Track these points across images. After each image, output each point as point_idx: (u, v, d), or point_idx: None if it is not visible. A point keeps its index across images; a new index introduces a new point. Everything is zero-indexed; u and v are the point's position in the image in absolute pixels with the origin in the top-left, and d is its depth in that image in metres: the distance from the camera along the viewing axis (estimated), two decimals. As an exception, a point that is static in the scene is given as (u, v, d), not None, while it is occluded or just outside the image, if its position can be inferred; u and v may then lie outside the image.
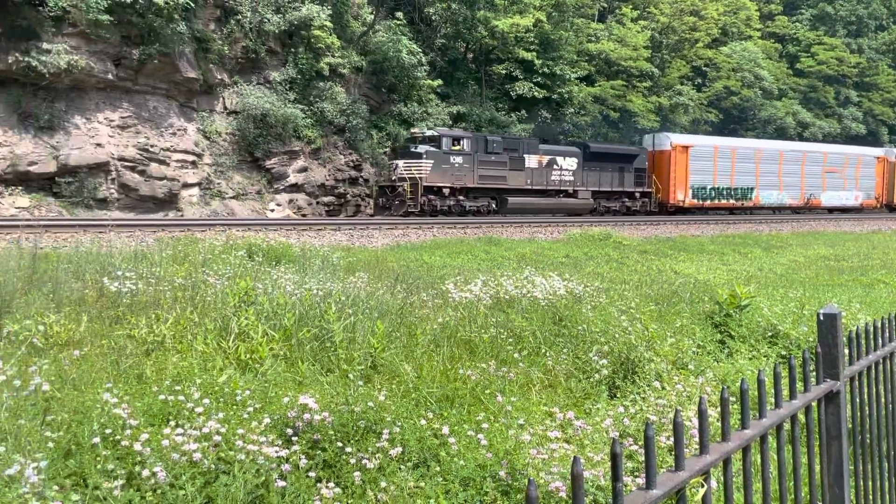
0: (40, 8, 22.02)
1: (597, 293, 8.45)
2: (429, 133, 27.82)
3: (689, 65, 48.42)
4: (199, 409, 3.96)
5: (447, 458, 3.82)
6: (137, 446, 3.50)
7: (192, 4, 25.23)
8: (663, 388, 5.16)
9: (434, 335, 6.24)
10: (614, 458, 1.47)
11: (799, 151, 39.86)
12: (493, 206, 28.63)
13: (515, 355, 5.90)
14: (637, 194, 33.62)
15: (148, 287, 7.40)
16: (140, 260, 9.52)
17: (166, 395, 4.17)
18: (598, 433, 4.31)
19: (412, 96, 33.18)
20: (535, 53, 37.87)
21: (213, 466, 3.46)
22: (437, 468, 3.75)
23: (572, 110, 40.03)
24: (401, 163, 26.73)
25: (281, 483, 3.41)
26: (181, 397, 4.12)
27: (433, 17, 36.23)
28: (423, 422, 4.17)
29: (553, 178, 30.18)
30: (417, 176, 26.16)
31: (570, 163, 30.82)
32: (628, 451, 4.05)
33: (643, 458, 1.59)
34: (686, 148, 35.35)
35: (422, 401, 4.74)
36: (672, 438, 3.49)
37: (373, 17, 33.51)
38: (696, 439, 1.92)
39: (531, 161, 29.66)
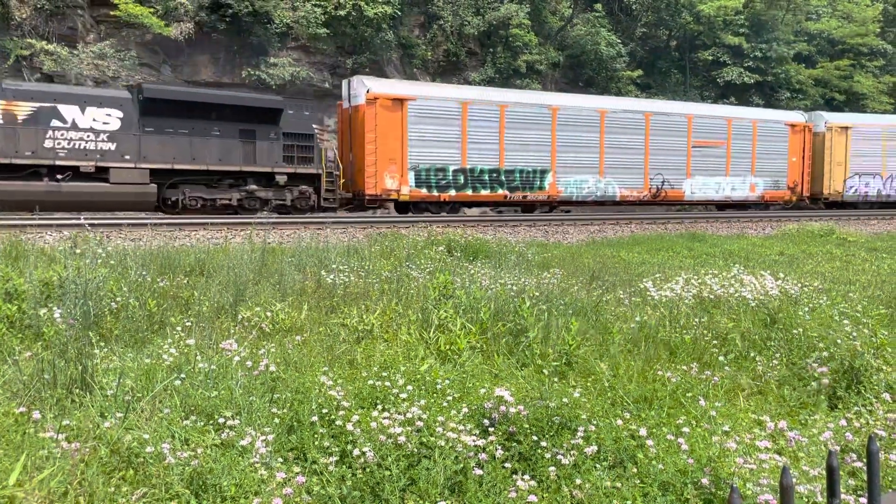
0: (268, 25, 24.50)
1: (816, 294, 7.76)
2: None
3: (932, 38, 42.53)
4: (404, 395, 4.21)
5: (645, 460, 3.73)
6: (349, 426, 3.79)
7: (400, 13, 26.68)
8: (895, 402, 4.63)
9: (631, 334, 6.09)
10: (830, 471, 1.37)
11: (638, 112, 24.68)
12: None
13: (720, 358, 5.59)
14: (283, 178, 19.01)
15: (358, 280, 7.99)
16: (352, 254, 10.30)
17: (374, 380, 4.48)
18: (814, 446, 3.96)
19: (610, 88, 32.46)
20: (743, 37, 35.42)
21: (415, 450, 3.67)
22: (634, 470, 3.67)
23: (788, 94, 36.89)
24: None
25: (478, 471, 3.52)
26: (387, 383, 4.40)
27: (633, 7, 35.14)
28: (620, 422, 4.10)
29: (46, 143, 16.32)
30: None
31: (99, 118, 16.79)
32: (850, 467, 3.68)
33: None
34: (399, 101, 20.52)
35: (618, 400, 4.65)
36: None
37: (571, 11, 33.22)
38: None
39: None
